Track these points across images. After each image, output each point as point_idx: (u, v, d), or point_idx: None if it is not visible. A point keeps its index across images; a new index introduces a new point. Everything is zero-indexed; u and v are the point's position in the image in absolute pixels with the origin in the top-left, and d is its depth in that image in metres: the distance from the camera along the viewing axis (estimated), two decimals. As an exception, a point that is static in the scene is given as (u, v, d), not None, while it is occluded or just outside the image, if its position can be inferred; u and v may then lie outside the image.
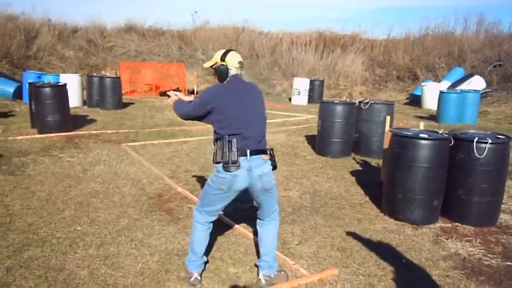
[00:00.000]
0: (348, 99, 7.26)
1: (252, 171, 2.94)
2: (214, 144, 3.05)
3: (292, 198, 5.23)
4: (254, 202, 3.28)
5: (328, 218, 4.61)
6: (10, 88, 12.46)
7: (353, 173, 6.40)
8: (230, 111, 2.98)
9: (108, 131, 8.73)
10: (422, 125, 5.01)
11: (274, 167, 3.11)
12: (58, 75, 12.55)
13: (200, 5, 49.16)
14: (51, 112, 8.10)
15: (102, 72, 17.35)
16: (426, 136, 4.40)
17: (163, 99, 14.99)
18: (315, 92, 16.87)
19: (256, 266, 3.35)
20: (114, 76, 13.41)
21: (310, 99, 16.48)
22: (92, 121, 10.03)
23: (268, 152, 3.08)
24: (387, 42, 22.19)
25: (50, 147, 7.17)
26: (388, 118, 5.62)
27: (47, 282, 3.08)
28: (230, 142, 2.91)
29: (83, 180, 5.55)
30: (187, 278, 3.18)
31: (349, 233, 4.20)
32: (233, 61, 3.10)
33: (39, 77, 11.82)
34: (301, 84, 16.29)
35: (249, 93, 3.14)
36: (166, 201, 4.96)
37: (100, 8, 42.15)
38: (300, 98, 16.26)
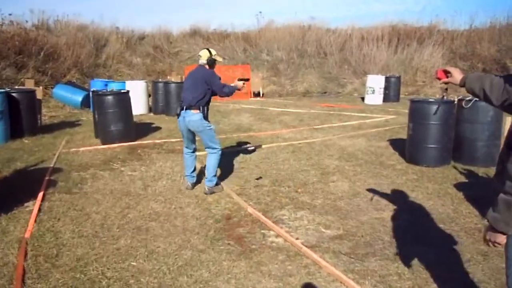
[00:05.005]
0: (445, 97, 6.06)
1: (185, 119, 4.86)
2: None
3: (387, 222, 4.24)
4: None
5: (440, 251, 3.58)
6: (79, 97, 12.47)
7: (459, 186, 5.25)
8: (184, 84, 5.21)
9: (172, 140, 8.18)
10: None
11: (204, 118, 4.87)
12: (124, 82, 12.37)
13: (265, 5, 48.68)
14: (114, 121, 7.69)
15: (168, 77, 17.21)
16: None
17: (228, 103, 14.44)
18: (390, 90, 15.50)
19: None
20: (179, 81, 13.03)
21: (386, 98, 15.16)
22: (157, 128, 9.61)
23: (198, 108, 4.83)
24: (469, 32, 20.09)
25: (111, 159, 6.71)
26: (509, 119, 4.44)
27: None
28: (179, 103, 5.02)
29: (143, 198, 4.93)
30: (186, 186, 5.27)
31: (476, 274, 3.16)
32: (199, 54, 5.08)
33: (106, 85, 11.68)
34: (376, 82, 14.99)
35: (195, 73, 5.02)
36: (235, 226, 4.18)
37: (166, 15, 43.02)
38: (375, 97, 14.96)
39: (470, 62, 18.63)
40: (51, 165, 6.25)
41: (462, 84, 2.19)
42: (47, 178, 5.58)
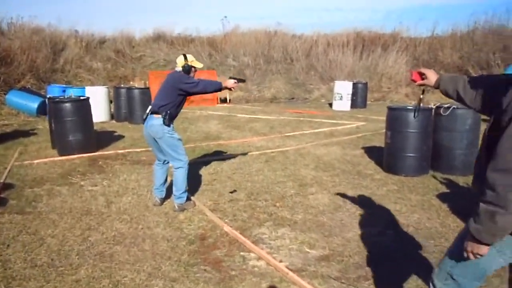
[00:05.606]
0: (422, 100, 5.86)
1: (147, 123, 4.51)
2: None
3: (373, 239, 3.96)
4: None
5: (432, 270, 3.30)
6: (34, 104, 11.65)
7: (442, 197, 5.06)
8: None
9: (137, 150, 7.66)
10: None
11: (164, 123, 4.39)
12: (84, 88, 11.69)
13: (230, 10, 48.47)
14: (73, 131, 7.09)
15: (131, 83, 16.55)
16: None
17: (195, 109, 13.98)
18: (358, 96, 15.48)
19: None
20: (142, 87, 12.47)
21: (353, 104, 15.13)
22: (120, 137, 9.04)
23: (161, 113, 4.40)
24: (431, 40, 20.53)
25: (70, 172, 6.14)
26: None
27: None
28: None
29: (106, 217, 4.44)
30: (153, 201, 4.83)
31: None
32: None
33: (64, 91, 10.97)
34: (343, 88, 14.92)
35: (167, 79, 4.65)
36: (211, 247, 3.78)
37: (128, 18, 41.93)
38: (343, 103, 14.88)
39: (433, 69, 18.88)
40: (1, 180, 5.62)
41: (437, 86, 2.17)
42: (-5, 195, 4.98)
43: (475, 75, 2.01)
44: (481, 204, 1.61)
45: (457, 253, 1.87)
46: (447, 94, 2.14)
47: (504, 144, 1.56)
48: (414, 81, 2.29)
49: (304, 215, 4.56)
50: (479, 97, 1.97)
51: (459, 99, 2.09)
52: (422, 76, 2.27)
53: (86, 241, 3.86)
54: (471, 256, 1.74)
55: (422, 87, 2.38)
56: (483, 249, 1.68)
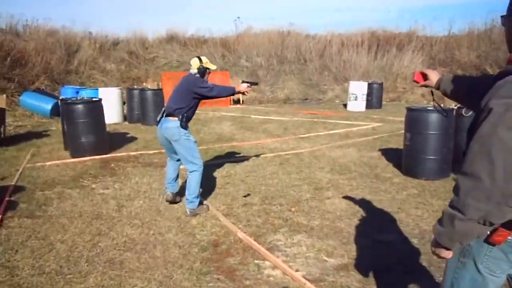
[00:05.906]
0: (436, 103, 5.66)
1: (162, 126, 4.47)
2: None
3: (395, 247, 3.77)
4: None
5: None
6: (48, 105, 11.65)
7: (465, 202, 4.83)
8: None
9: (150, 152, 7.55)
10: None
11: (181, 126, 4.34)
12: (97, 89, 11.67)
13: (242, 11, 48.45)
14: (85, 133, 7.01)
15: (144, 84, 16.54)
16: None
17: (208, 110, 13.89)
18: (373, 97, 15.25)
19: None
20: (155, 88, 12.41)
21: (368, 105, 14.89)
22: (133, 139, 8.95)
23: (177, 116, 4.36)
24: (448, 38, 20.15)
25: (82, 174, 6.06)
26: None
27: None
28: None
29: (117, 222, 4.33)
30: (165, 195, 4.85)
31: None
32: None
33: (77, 92, 10.98)
34: (358, 88, 14.69)
35: (181, 81, 4.65)
36: (224, 254, 3.63)
37: (141, 19, 42.04)
38: (358, 103, 14.65)
39: (449, 68, 18.61)
40: (13, 183, 5.56)
41: (437, 87, 2.14)
42: (6, 198, 4.90)
43: (476, 76, 1.82)
44: (447, 207, 1.57)
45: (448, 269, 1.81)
46: (446, 95, 2.09)
47: (473, 146, 1.47)
48: (417, 82, 2.25)
49: (321, 220, 4.39)
50: (471, 98, 1.90)
51: (457, 100, 2.10)
52: (424, 77, 2.22)
53: (96, 247, 3.74)
54: (436, 257, 1.71)
55: (429, 88, 2.30)
56: (444, 253, 1.64)
